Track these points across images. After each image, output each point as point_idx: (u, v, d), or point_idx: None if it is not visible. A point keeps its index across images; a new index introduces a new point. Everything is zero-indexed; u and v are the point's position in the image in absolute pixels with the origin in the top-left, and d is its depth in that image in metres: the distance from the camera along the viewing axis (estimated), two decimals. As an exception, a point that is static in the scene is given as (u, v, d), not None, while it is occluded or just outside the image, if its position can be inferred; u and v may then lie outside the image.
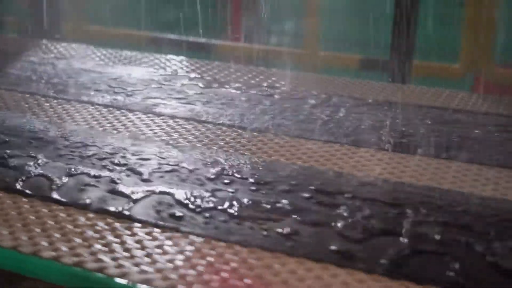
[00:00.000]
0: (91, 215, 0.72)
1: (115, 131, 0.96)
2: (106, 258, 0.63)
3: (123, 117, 1.02)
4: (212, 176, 0.81)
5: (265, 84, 1.20)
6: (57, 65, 1.30)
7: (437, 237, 0.67)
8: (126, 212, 0.72)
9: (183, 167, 0.83)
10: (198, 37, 1.84)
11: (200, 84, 1.18)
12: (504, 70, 1.72)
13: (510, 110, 1.08)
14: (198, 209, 0.73)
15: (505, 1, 1.71)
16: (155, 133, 0.96)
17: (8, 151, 0.87)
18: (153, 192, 0.76)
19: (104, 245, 0.66)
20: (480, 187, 0.80)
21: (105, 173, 0.81)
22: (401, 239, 0.67)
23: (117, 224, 0.70)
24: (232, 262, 0.63)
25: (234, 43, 1.94)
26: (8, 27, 1.96)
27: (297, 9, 1.97)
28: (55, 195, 0.75)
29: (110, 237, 0.67)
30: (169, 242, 0.66)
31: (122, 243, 0.66)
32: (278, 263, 0.63)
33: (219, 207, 0.73)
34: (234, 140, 0.94)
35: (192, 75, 1.25)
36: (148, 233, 0.68)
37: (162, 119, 1.02)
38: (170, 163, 0.84)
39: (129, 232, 0.68)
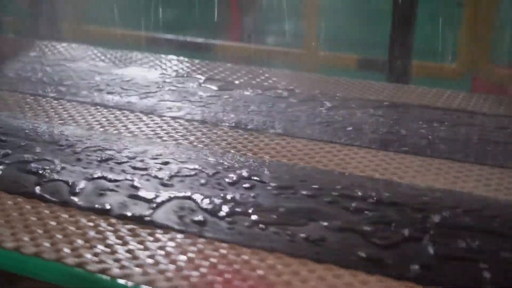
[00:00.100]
0: (113, 220, 0.70)
1: (129, 134, 0.95)
2: (131, 265, 0.62)
3: (137, 120, 1.01)
4: (233, 180, 0.80)
5: (279, 86, 1.19)
6: (68, 66, 1.29)
7: (468, 243, 0.66)
8: (148, 218, 0.71)
9: (203, 171, 0.82)
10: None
11: (214, 87, 1.17)
12: (502, 70, 1.72)
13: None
14: (220, 214, 0.72)
15: (504, 1, 1.71)
16: (171, 136, 0.95)
17: (25, 155, 0.86)
18: (174, 197, 0.75)
19: (127, 251, 0.65)
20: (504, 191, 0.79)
21: (124, 177, 0.80)
22: (430, 244, 0.66)
23: (139, 230, 0.69)
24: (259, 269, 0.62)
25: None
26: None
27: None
28: (74, 200, 0.74)
29: (133, 243, 0.66)
30: (193, 248, 0.65)
31: (146, 249, 0.65)
32: (306, 270, 0.62)
33: (242, 212, 0.72)
34: (252, 143, 0.93)
35: (204, 76, 1.24)
36: (171, 239, 0.67)
37: (178, 121, 1.00)
38: (189, 167, 0.83)
39: (151, 238, 0.67)
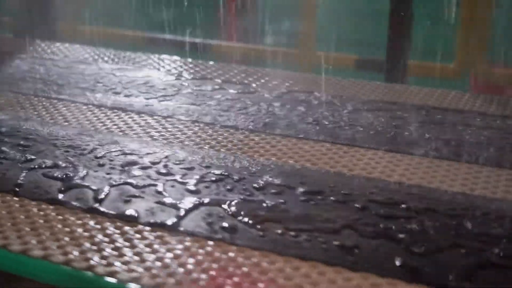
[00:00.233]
0: (140, 227, 0.69)
1: (149, 138, 0.94)
2: (162, 274, 0.61)
3: (157, 123, 1.00)
4: (260, 186, 0.78)
5: (296, 89, 1.17)
6: (83, 68, 1.28)
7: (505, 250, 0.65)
8: (175, 225, 0.69)
9: (229, 176, 0.81)
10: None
11: (232, 90, 1.16)
12: (499, 70, 1.72)
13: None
14: (250, 221, 0.70)
15: (501, 0, 1.70)
16: (193, 140, 0.93)
17: (46, 160, 0.85)
18: (202, 203, 0.74)
19: (157, 259, 0.63)
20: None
21: (149, 182, 0.79)
22: (467, 251, 0.64)
23: (168, 237, 0.67)
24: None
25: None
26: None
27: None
28: (100, 207, 0.73)
29: (162, 251, 0.65)
30: (224, 256, 0.64)
31: (176, 257, 0.64)
32: (341, 278, 0.61)
33: (271, 219, 0.71)
34: (274, 147, 0.92)
35: (220, 79, 1.22)
36: (201, 247, 0.66)
37: (198, 126, 0.99)
38: (216, 172, 0.82)
39: (181, 246, 0.66)
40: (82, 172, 0.81)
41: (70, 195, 0.76)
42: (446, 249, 0.65)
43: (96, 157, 0.86)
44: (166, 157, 0.86)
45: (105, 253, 0.64)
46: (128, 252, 0.64)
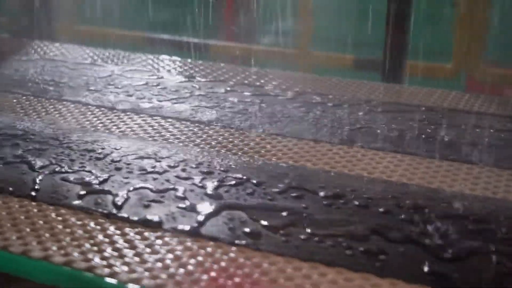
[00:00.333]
0: (160, 233, 0.68)
1: (165, 141, 0.93)
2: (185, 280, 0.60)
3: (171, 127, 0.99)
4: (280, 190, 0.77)
5: (309, 90, 1.16)
6: (92, 70, 1.27)
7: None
8: (196, 230, 0.68)
9: (248, 181, 0.80)
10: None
11: (246, 92, 1.15)
12: (496, 70, 1.71)
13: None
14: (272, 226, 0.69)
15: (497, 0, 1.70)
16: (209, 143, 0.92)
17: (63, 165, 0.84)
18: (222, 208, 0.73)
19: (180, 266, 0.62)
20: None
21: (168, 187, 0.78)
22: (495, 257, 0.63)
23: (189, 243, 0.66)
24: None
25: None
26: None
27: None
28: (120, 212, 0.72)
29: (185, 257, 0.64)
30: (248, 262, 0.63)
31: (200, 264, 0.63)
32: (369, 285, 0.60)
33: (293, 224, 0.70)
34: (291, 150, 0.91)
35: (232, 81, 1.21)
36: (224, 253, 0.65)
37: (213, 128, 0.98)
38: (234, 176, 0.81)
39: (203, 252, 0.65)
40: (99, 176, 0.81)
41: (88, 200, 0.75)
42: (471, 254, 0.64)
43: (113, 161, 0.85)
44: (183, 160, 0.85)
45: (127, 259, 0.63)
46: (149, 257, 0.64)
